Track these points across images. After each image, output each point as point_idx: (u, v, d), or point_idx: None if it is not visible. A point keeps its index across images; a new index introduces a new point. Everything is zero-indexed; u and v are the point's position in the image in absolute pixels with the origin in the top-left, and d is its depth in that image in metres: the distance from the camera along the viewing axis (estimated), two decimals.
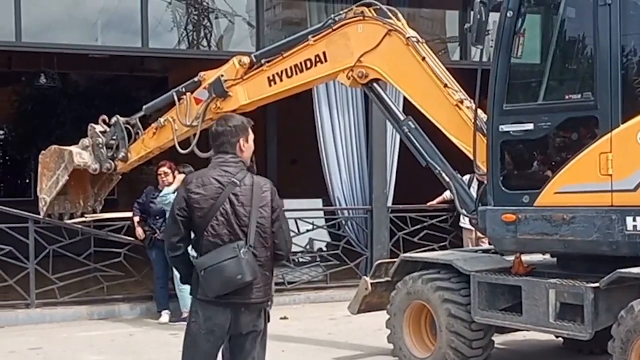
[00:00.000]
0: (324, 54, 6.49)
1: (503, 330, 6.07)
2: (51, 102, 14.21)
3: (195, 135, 7.28)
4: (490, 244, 6.61)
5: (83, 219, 8.58)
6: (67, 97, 14.41)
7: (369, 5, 6.41)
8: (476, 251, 6.81)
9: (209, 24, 10.64)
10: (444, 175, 6.01)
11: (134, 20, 9.43)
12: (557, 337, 6.26)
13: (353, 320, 7.14)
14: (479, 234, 8.54)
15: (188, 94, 7.36)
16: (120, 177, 8.44)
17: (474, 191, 6.19)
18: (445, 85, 5.94)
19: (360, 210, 10.25)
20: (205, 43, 10.83)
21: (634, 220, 4.96)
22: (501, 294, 5.62)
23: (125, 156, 7.86)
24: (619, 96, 5.03)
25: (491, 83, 5.53)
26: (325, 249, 10.35)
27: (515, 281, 5.55)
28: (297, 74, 6.67)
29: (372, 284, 6.45)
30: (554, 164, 5.42)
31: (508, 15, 5.46)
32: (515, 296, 5.52)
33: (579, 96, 5.30)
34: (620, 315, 4.88)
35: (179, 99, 7.38)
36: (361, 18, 6.33)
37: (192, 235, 3.95)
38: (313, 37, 6.58)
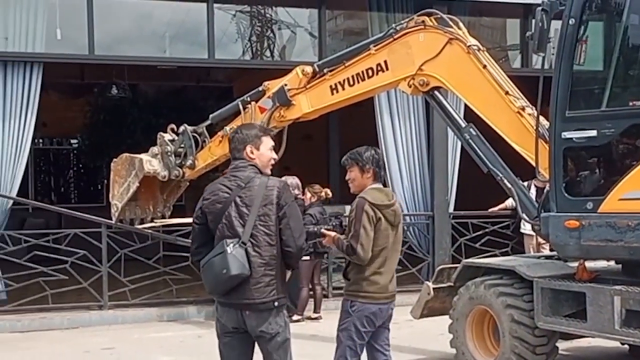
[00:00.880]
0: (385, 62, 6.54)
1: (567, 336, 6.01)
2: (122, 112, 14.56)
3: None
4: (551, 250, 6.58)
5: (152, 224, 8.72)
6: (136, 107, 14.72)
7: (429, 15, 6.44)
8: (538, 257, 6.77)
9: (271, 35, 10.79)
10: (505, 181, 6.00)
11: (199, 32, 9.65)
12: (622, 344, 6.21)
13: (415, 325, 7.17)
14: (540, 240, 8.51)
15: (252, 102, 7.47)
16: (188, 183, 8.55)
17: None
18: (507, 93, 5.93)
19: (421, 216, 10.29)
20: (268, 53, 10.98)
21: None
22: (565, 300, 5.59)
23: (192, 163, 7.98)
24: None
25: (553, 90, 5.51)
26: None
27: (579, 287, 5.52)
28: (358, 82, 6.73)
29: (434, 288, 6.48)
30: (617, 170, 5.35)
31: (570, 22, 5.43)
32: (579, 302, 5.49)
33: None
34: None
35: (244, 108, 7.49)
36: (422, 27, 6.36)
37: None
38: (374, 46, 6.63)
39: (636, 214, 5.15)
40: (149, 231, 9.00)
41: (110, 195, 8.53)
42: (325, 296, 9.24)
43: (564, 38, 5.49)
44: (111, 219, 8.61)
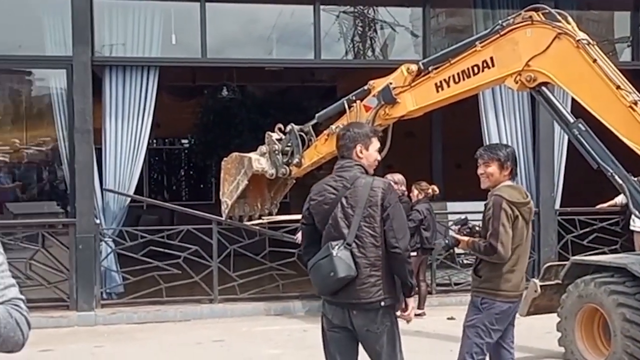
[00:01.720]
0: (491, 59, 6.47)
1: None
2: (230, 112, 14.97)
3: None
4: None
5: (260, 221, 8.83)
6: (244, 108, 15.08)
7: (537, 10, 6.33)
8: None
9: (374, 34, 10.85)
10: (616, 177, 5.86)
11: (304, 33, 9.83)
12: None
13: (521, 322, 7.05)
14: None
15: (357, 101, 7.52)
16: (294, 181, 8.65)
17: None
18: (618, 87, 5.79)
19: None
20: (370, 53, 11.04)
21: None
22: None
23: (299, 161, 8.09)
24: None
25: None
26: None
27: None
28: (464, 79, 6.69)
29: (541, 286, 6.44)
30: None
31: None
32: None
33: None
34: None
35: (349, 107, 7.54)
36: (529, 22, 6.27)
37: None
38: (480, 42, 6.57)
39: None
40: (257, 228, 9.15)
41: (221, 193, 8.70)
42: (430, 292, 9.27)
43: None
44: (221, 216, 8.81)
